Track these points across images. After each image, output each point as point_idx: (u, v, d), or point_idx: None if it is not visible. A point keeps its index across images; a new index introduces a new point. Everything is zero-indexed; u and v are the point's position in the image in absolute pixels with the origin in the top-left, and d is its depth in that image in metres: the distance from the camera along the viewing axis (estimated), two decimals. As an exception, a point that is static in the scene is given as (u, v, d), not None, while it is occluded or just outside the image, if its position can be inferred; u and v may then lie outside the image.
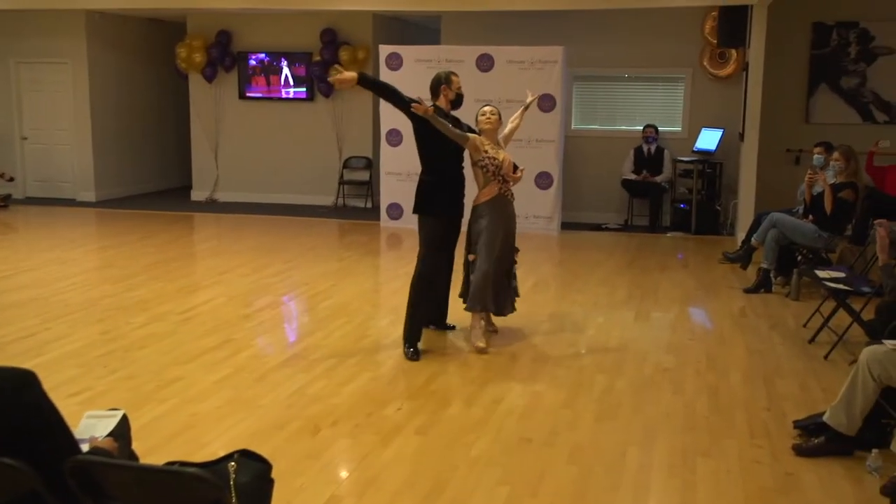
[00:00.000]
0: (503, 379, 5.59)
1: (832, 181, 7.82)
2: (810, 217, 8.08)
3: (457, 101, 6.19)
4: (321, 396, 5.22)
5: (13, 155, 13.72)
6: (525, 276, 7.34)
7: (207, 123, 13.66)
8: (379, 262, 9.53)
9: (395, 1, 11.27)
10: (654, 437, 4.69)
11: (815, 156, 8.59)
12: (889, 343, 4.32)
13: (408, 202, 11.36)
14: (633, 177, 11.54)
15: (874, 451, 4.26)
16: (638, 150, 11.48)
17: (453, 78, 6.18)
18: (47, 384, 2.53)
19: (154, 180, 14.83)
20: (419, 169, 6.09)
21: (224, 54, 13.28)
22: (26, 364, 2.56)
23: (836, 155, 7.93)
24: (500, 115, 6.21)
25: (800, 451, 4.47)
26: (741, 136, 10.83)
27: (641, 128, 11.58)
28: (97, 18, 13.15)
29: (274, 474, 2.75)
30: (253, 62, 13.36)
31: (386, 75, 11.20)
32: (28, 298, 7.49)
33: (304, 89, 13.25)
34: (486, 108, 6.23)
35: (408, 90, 11.03)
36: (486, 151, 6.01)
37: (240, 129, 13.62)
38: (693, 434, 4.74)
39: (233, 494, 2.54)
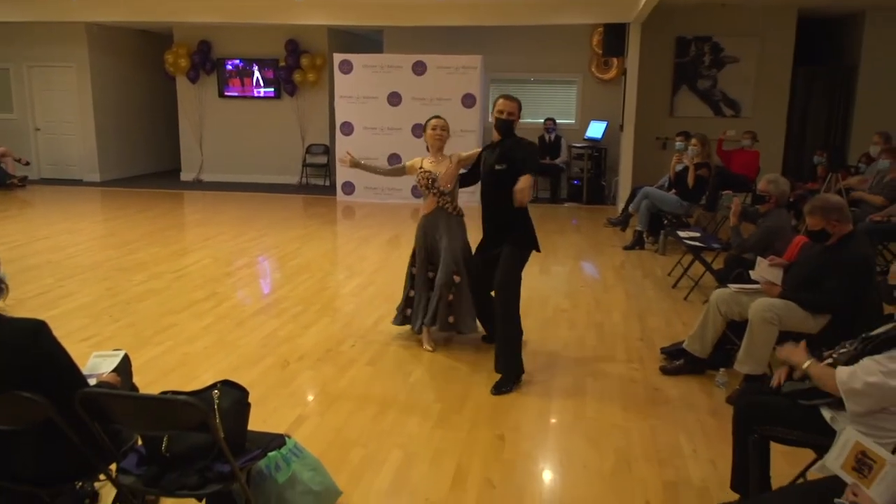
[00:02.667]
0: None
1: (694, 161, 7.96)
2: (673, 190, 8.23)
3: (500, 125, 4.39)
4: (289, 337, 5.17)
5: (28, 143, 13.30)
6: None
7: (192, 117, 13.34)
8: (336, 228, 9.44)
9: (346, 16, 11.10)
10: (555, 363, 4.75)
11: (677, 143, 8.73)
12: (733, 287, 4.44)
13: (359, 181, 11.38)
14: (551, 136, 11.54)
15: (721, 369, 4.40)
16: (541, 139, 11.51)
17: (498, 100, 4.41)
18: (62, 332, 2.46)
19: (149, 164, 14.46)
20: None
21: (205, 60, 12.97)
22: (44, 315, 2.47)
23: (693, 141, 8.07)
24: (448, 128, 4.86)
25: (665, 371, 4.58)
26: (621, 127, 10.96)
27: (543, 120, 11.61)
28: (95, 30, 12.73)
29: (251, 400, 2.71)
30: (229, 67, 13.05)
31: (339, 78, 11.06)
32: (44, 262, 7.24)
33: (272, 89, 12.99)
34: (436, 123, 4.80)
35: (357, 90, 11.07)
36: (421, 167, 4.83)
37: (220, 122, 13.33)
38: (584, 360, 4.82)
39: (217, 416, 2.50)
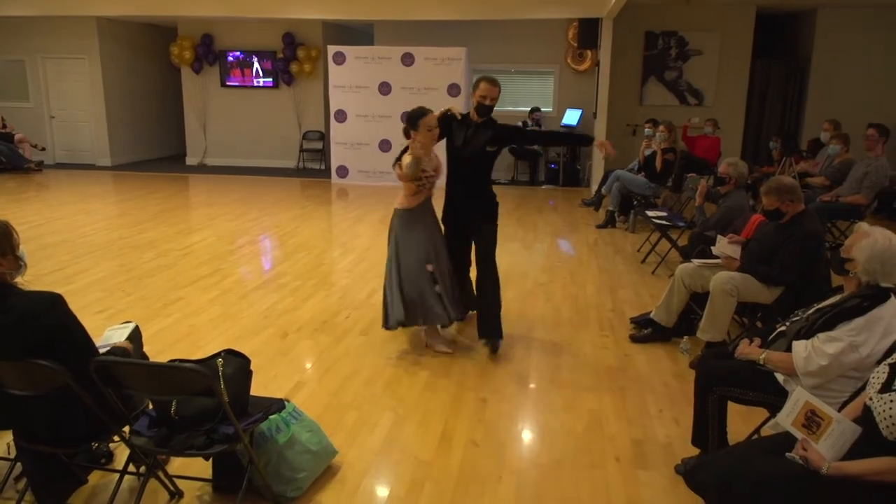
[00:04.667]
0: (424, 293, 5.58)
1: (661, 147, 7.96)
2: (643, 173, 8.23)
3: (480, 109, 4.20)
4: (288, 310, 5.15)
5: (44, 130, 13.09)
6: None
7: (196, 105, 13.16)
8: (331, 209, 9.38)
9: (339, 11, 10.96)
10: (533, 332, 4.77)
11: (646, 129, 8.72)
12: (696, 261, 4.46)
13: (352, 165, 11.31)
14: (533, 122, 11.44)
15: (685, 337, 4.43)
16: (524, 125, 11.45)
17: (480, 83, 4.19)
18: (78, 305, 2.44)
19: (156, 149, 14.26)
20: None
21: (208, 52, 12.77)
22: (60, 290, 2.44)
23: (661, 127, 8.07)
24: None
25: (634, 339, 4.61)
26: (594, 115, 10.89)
27: (527, 110, 11.50)
28: (105, 23, 12.50)
29: (253, 367, 2.70)
30: (231, 58, 12.84)
31: (333, 69, 10.93)
32: (60, 240, 7.16)
33: (271, 79, 12.80)
34: (433, 122, 4.07)
35: (350, 79, 10.95)
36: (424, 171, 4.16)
37: (222, 110, 13.16)
38: (560, 329, 4.84)
39: (221, 382, 2.50)
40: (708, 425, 2.88)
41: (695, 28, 11.13)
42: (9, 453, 2.89)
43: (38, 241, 7.11)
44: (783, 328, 2.88)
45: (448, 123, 4.29)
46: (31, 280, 2.47)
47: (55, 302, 2.37)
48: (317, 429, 2.97)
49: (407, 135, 4.13)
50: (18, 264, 2.42)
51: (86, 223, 8.05)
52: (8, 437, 2.86)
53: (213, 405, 2.46)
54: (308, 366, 4.18)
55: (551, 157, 11.53)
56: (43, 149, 12.60)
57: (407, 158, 4.02)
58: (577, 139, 5.23)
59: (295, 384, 3.88)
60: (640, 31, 11.27)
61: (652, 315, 4.57)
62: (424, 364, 4.18)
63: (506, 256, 6.81)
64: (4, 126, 12.14)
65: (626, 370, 4.15)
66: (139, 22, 13.18)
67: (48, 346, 2.33)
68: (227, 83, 12.97)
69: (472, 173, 4.33)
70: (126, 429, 2.57)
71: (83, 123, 13.01)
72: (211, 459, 2.81)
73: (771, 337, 2.90)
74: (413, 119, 4.06)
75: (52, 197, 9.88)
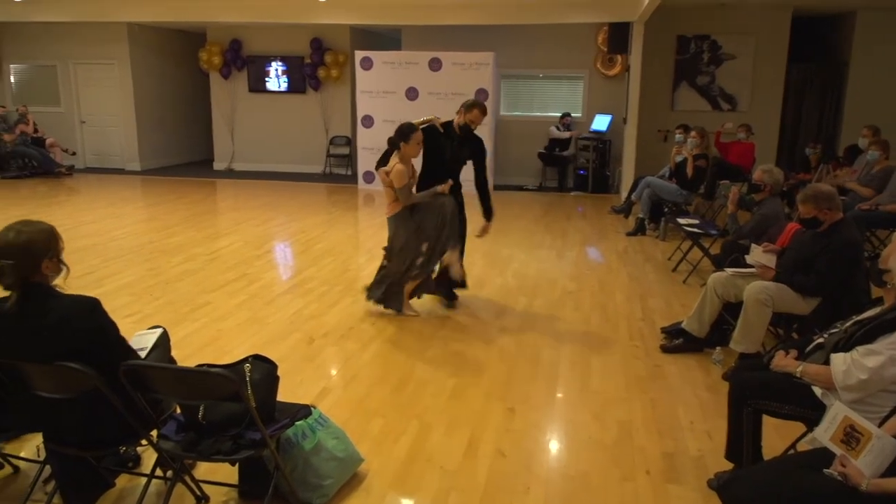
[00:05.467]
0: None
1: (693, 153, 7.88)
2: (674, 179, 8.16)
3: (464, 128, 5.01)
4: (315, 315, 5.19)
5: (74, 135, 13.38)
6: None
7: (225, 110, 13.34)
8: (357, 215, 9.44)
9: (367, 16, 11.05)
10: (561, 341, 4.74)
11: (677, 135, 8.64)
12: (729, 270, 4.40)
13: (378, 170, 11.35)
14: (556, 134, 11.43)
15: (718, 348, 4.37)
16: (558, 129, 11.43)
17: (474, 110, 4.96)
18: (107, 309, 2.48)
19: (184, 154, 14.48)
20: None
21: (236, 57, 12.94)
22: (90, 294, 2.49)
23: (693, 133, 7.99)
24: None
25: (665, 349, 4.56)
26: (624, 120, 10.84)
27: (557, 115, 11.49)
28: (136, 29, 12.75)
29: (279, 373, 2.73)
30: (259, 63, 12.98)
31: (360, 74, 11.01)
32: (90, 244, 7.30)
33: (298, 85, 12.90)
34: (421, 138, 4.82)
35: (377, 85, 11.02)
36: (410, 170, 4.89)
37: (249, 115, 13.32)
38: (589, 339, 4.81)
39: (248, 388, 2.52)
40: (742, 439, 2.84)
41: (728, 32, 11.01)
42: (38, 456, 2.95)
43: (69, 244, 7.17)
44: (821, 340, 2.83)
45: (432, 135, 4.97)
46: (60, 283, 2.52)
47: (94, 306, 2.42)
48: (343, 436, 2.98)
49: (394, 146, 4.77)
50: (60, 267, 2.47)
51: (115, 227, 8.20)
52: (38, 439, 2.92)
53: (240, 410, 2.48)
54: (334, 372, 4.20)
55: (580, 163, 11.48)
56: (73, 153, 12.86)
57: (400, 166, 4.71)
58: (485, 205, 5.30)
59: (321, 390, 3.90)
60: (671, 35, 11.17)
61: (683, 325, 4.52)
62: (451, 372, 4.18)
63: (534, 264, 6.80)
64: (36, 130, 12.43)
65: (656, 381, 4.10)
66: (169, 27, 13.41)
67: (83, 350, 2.37)
68: (255, 88, 13.13)
69: (454, 176, 5.07)
70: (154, 433, 2.60)
71: (113, 128, 13.26)
72: (237, 465, 2.83)
73: (808, 349, 2.85)
74: (406, 133, 4.73)
75: (82, 201, 10.08)
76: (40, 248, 2.41)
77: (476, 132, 5.13)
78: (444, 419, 3.58)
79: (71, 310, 2.38)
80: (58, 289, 2.46)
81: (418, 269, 5.00)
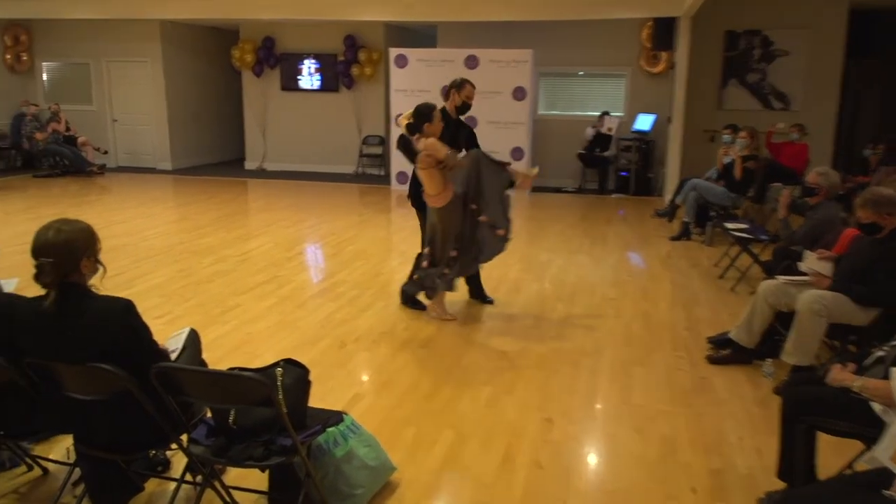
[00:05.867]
0: (484, 307, 5.58)
1: (741, 154, 7.76)
2: (721, 182, 8.04)
3: (462, 108, 5.27)
4: (346, 319, 5.22)
5: (106, 133, 13.69)
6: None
7: (257, 109, 13.52)
8: (390, 217, 9.48)
9: (402, 13, 11.10)
10: (601, 351, 4.70)
11: (725, 136, 8.51)
12: (781, 278, 4.32)
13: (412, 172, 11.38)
14: (594, 131, 11.34)
15: (768, 360, 4.28)
16: (595, 129, 11.36)
17: (466, 86, 5.23)
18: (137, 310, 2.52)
19: (216, 153, 14.73)
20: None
21: (269, 55, 13.10)
22: (121, 294, 2.54)
23: (743, 133, 7.87)
24: None
25: (711, 360, 4.49)
26: (669, 120, 10.73)
27: (596, 114, 11.43)
28: (168, 27, 13.01)
29: (311, 378, 2.74)
30: (292, 61, 13.13)
31: (395, 72, 11.07)
32: (121, 244, 7.45)
33: (331, 83, 13.03)
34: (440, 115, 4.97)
35: (411, 83, 11.07)
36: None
37: (282, 114, 13.48)
38: (630, 348, 4.75)
39: (280, 392, 2.54)
40: (795, 457, 2.78)
41: (781, 26, 10.81)
42: (68, 458, 3.01)
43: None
44: (881, 353, 2.75)
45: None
46: (96, 283, 2.57)
47: (128, 308, 2.47)
48: (375, 444, 2.99)
49: (417, 130, 4.84)
50: (97, 267, 2.53)
51: (146, 227, 8.36)
52: (68, 441, 2.99)
53: (271, 416, 2.50)
54: (365, 378, 4.22)
55: (622, 165, 11.38)
56: (105, 152, 13.14)
57: (432, 139, 4.77)
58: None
59: (352, 396, 3.92)
60: (720, 30, 11.01)
61: (731, 335, 4.44)
62: (486, 380, 4.17)
63: (573, 269, 6.76)
64: (68, 129, 12.75)
65: (702, 394, 4.04)
66: (202, 25, 13.65)
67: (116, 351, 2.42)
68: (288, 87, 13.29)
69: None
70: (184, 437, 2.64)
71: (144, 127, 13.54)
72: (267, 471, 2.86)
73: (867, 362, 2.78)
74: (427, 114, 4.84)
75: (113, 200, 10.30)
76: (80, 246, 2.47)
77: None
78: (480, 428, 3.57)
79: (105, 311, 2.43)
80: (93, 289, 2.51)
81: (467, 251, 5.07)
